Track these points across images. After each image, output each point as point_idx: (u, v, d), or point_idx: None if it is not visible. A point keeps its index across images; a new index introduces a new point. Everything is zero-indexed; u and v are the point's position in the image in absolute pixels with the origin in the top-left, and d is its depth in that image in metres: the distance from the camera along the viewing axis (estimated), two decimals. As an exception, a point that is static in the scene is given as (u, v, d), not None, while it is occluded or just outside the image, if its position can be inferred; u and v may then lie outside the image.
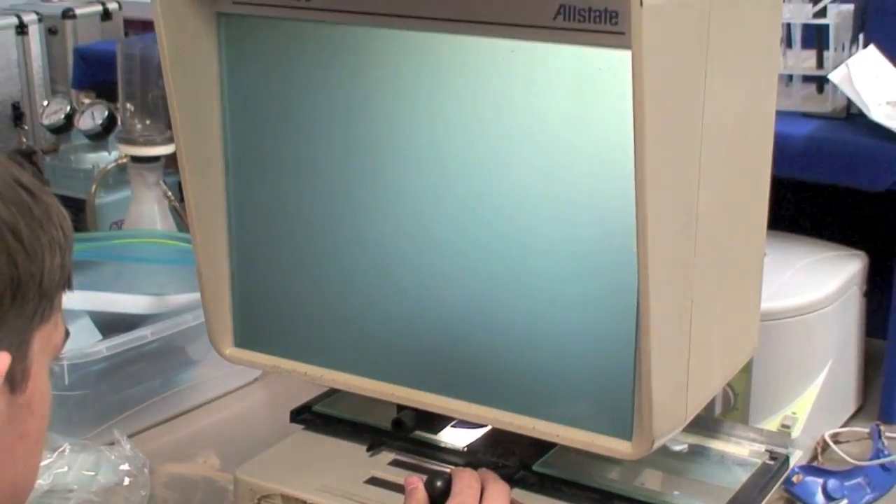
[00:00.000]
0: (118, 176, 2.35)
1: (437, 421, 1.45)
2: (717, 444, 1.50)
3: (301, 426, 1.58)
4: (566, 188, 1.25)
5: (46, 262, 0.94)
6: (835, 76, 1.76)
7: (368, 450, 1.49)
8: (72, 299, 1.69)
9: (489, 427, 1.46)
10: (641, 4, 1.04)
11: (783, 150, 1.51)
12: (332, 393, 1.61)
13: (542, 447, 1.42)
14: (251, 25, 1.37)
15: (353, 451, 1.50)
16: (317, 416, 1.58)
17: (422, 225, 1.34)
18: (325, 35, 1.34)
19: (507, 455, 1.45)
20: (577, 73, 1.20)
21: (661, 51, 1.09)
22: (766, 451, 1.47)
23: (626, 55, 1.08)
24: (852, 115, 1.78)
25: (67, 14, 2.70)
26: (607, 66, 1.18)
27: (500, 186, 1.28)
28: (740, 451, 1.49)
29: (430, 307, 1.37)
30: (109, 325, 1.83)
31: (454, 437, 1.49)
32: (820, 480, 1.55)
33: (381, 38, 1.30)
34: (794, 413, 1.62)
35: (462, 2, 1.23)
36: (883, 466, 1.58)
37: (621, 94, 1.13)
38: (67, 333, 1.04)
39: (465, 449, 1.48)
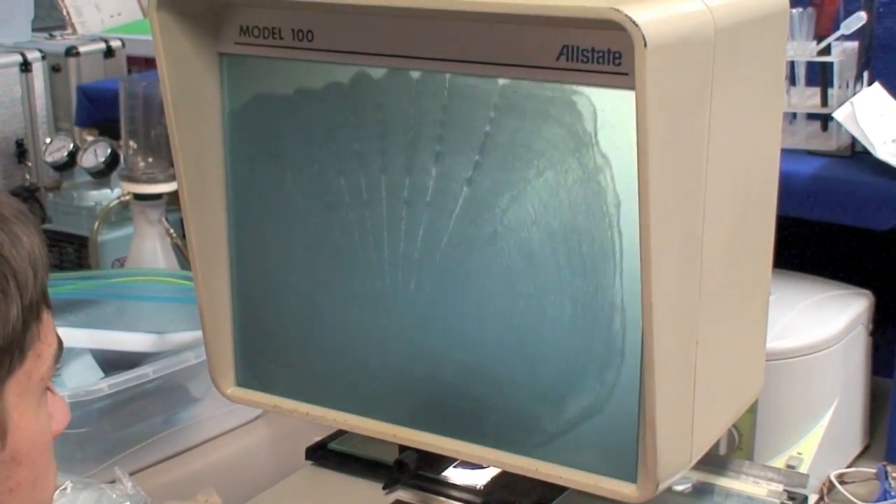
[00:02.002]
0: (121, 213, 2.35)
1: (439, 461, 1.45)
2: (733, 484, 1.49)
3: (309, 464, 1.57)
4: (570, 228, 1.24)
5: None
6: (839, 114, 1.75)
7: (384, 487, 1.49)
8: (74, 337, 1.71)
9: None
10: (646, 45, 1.03)
11: (787, 189, 1.51)
12: (343, 431, 1.59)
13: (557, 488, 1.41)
14: (253, 65, 1.37)
15: (360, 488, 1.49)
16: (332, 453, 1.57)
17: (424, 265, 1.34)
18: (328, 75, 1.34)
19: (522, 495, 1.44)
20: (580, 113, 1.20)
21: (666, 91, 1.08)
22: (784, 490, 1.46)
23: (629, 95, 1.08)
24: (857, 154, 1.78)
25: (71, 52, 2.71)
26: (610, 106, 1.17)
27: (501, 228, 1.28)
28: (757, 490, 1.47)
29: (433, 348, 1.36)
30: (111, 362, 1.82)
31: (461, 477, 1.48)
32: (826, 522, 1.54)
33: (384, 78, 1.30)
34: (799, 453, 1.61)
35: (465, 42, 1.23)
36: (890, 507, 1.57)
37: (624, 134, 1.13)
38: (61, 343, 1.00)
39: (482, 488, 1.47)
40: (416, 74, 1.28)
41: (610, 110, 1.18)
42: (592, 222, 1.22)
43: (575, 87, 1.19)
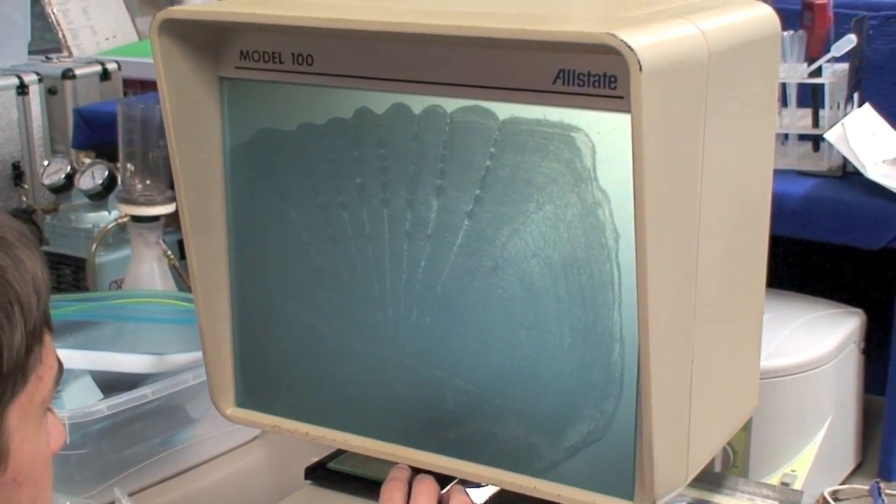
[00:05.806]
0: (118, 235, 2.36)
1: (438, 480, 1.45)
2: (728, 501, 1.50)
3: (307, 484, 1.57)
4: (569, 261, 1.25)
5: (3, 344, 0.90)
6: (830, 135, 1.77)
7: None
8: (73, 358, 1.71)
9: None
10: (641, 69, 1.05)
11: (780, 209, 1.52)
12: (342, 450, 1.60)
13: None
14: (254, 89, 1.38)
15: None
16: (331, 473, 1.57)
17: (426, 296, 1.34)
18: (330, 109, 1.35)
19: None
20: (579, 150, 1.21)
21: (661, 114, 1.10)
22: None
23: (624, 119, 1.09)
24: (848, 174, 1.79)
25: (67, 74, 2.72)
26: (606, 129, 1.19)
27: (501, 260, 1.29)
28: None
29: (434, 377, 1.37)
30: (110, 383, 1.83)
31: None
32: (820, 539, 1.55)
33: (386, 113, 1.31)
34: (793, 471, 1.62)
35: (463, 67, 1.24)
36: (883, 524, 1.58)
37: (623, 169, 1.14)
38: (61, 365, 1.00)
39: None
40: (417, 110, 1.29)
41: (607, 143, 1.19)
42: (591, 255, 1.24)
43: (573, 123, 1.20)
